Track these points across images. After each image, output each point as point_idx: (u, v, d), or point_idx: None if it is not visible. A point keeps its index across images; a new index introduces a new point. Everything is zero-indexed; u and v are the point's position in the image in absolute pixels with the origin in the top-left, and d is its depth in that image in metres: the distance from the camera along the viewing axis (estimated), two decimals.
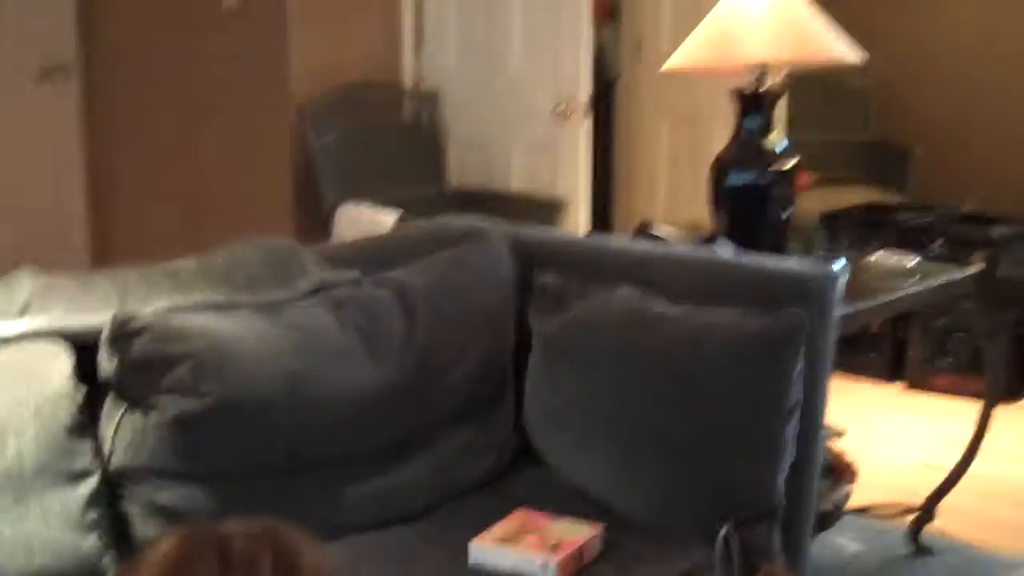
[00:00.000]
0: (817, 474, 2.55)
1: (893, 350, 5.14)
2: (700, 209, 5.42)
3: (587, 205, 5.07)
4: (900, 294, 3.25)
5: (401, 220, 4.44)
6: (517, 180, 5.19)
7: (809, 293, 2.49)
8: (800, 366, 2.39)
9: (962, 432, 3.68)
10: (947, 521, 3.61)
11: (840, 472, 3.28)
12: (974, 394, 4.46)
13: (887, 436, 4.42)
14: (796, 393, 2.39)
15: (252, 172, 5.11)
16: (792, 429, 2.39)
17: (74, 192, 5.77)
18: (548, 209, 4.88)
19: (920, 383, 5.04)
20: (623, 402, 2.51)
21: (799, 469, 2.44)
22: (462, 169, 5.35)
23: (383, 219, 4.54)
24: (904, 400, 4.98)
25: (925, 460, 4.13)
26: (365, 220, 4.61)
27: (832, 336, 2.51)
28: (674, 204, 5.83)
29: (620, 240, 3.36)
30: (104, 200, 5.76)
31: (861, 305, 3.06)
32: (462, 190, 5.23)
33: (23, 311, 2.31)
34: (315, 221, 4.79)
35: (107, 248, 5.69)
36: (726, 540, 2.16)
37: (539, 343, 2.72)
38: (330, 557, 1.49)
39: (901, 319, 4.90)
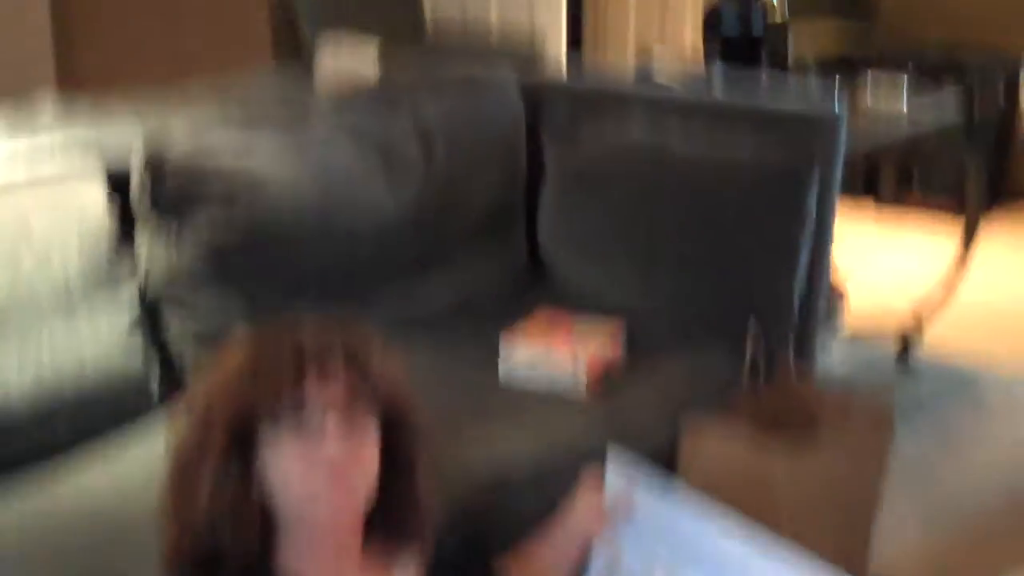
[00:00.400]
0: (826, 293, 2.66)
1: (866, 176, 5.24)
2: (671, 37, 5.46)
3: (564, 38, 5.08)
4: (896, 128, 3.36)
5: (381, 51, 4.43)
6: (493, 13, 5.18)
7: (820, 126, 2.57)
8: (815, 192, 2.48)
9: (937, 255, 3.81)
10: (932, 339, 3.74)
11: (832, 290, 3.39)
12: (947, 218, 4.62)
13: (863, 256, 4.52)
14: (811, 216, 2.48)
15: (228, 8, 5.05)
16: (806, 250, 2.49)
17: (39, 28, 5.66)
18: (526, 41, 4.88)
19: (893, 207, 5.16)
20: (641, 230, 2.60)
21: (810, 287, 2.55)
22: (437, 2, 5.32)
23: (364, 51, 4.53)
24: (877, 223, 5.09)
25: (902, 279, 4.25)
26: (346, 52, 4.60)
27: (841, 164, 2.60)
28: (645, 31, 5.84)
29: (625, 77, 3.40)
30: (70, 39, 5.66)
31: (861, 139, 3.16)
32: (439, 21, 5.22)
33: (49, 131, 2.33)
34: (294, 55, 4.76)
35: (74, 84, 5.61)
36: (754, 344, 2.26)
37: (554, 175, 2.78)
38: (395, 352, 1.56)
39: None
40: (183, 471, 1.48)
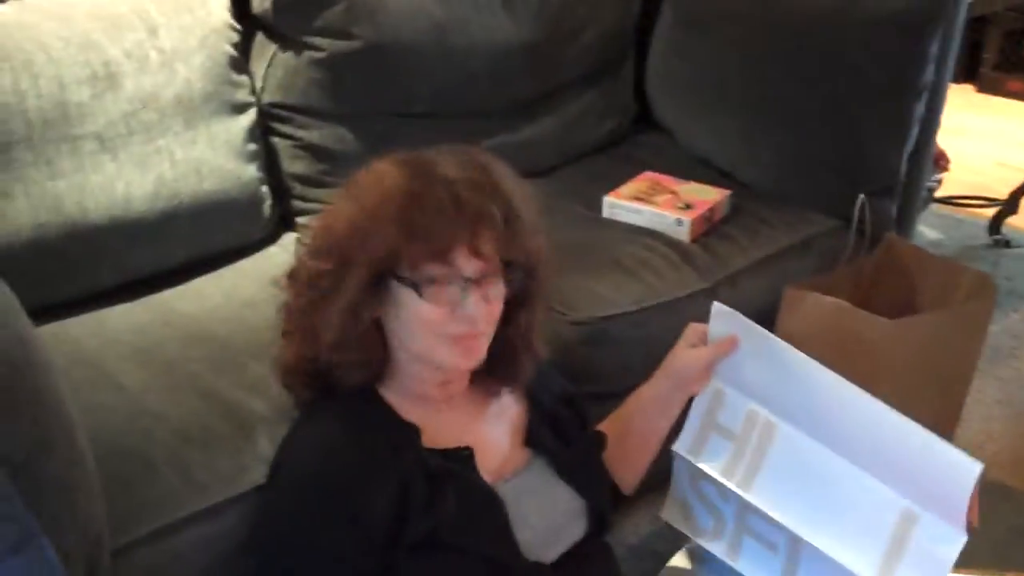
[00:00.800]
0: (932, 156, 2.62)
1: (966, 53, 5.11)
2: None
3: None
4: None
5: None
6: None
7: None
8: (936, 48, 2.42)
9: None
10: None
11: (934, 160, 3.34)
12: None
13: (961, 135, 4.42)
14: (929, 74, 2.42)
15: None
16: (920, 110, 2.44)
17: None
18: None
19: (992, 87, 5.04)
20: (754, 72, 2.55)
21: (918, 149, 2.51)
22: None
23: None
24: (976, 102, 4.99)
25: (1002, 160, 4.19)
26: None
27: (963, 19, 2.52)
28: None
29: None
30: None
31: None
32: None
33: None
34: None
35: None
36: (862, 208, 2.24)
37: (670, 10, 2.74)
38: (536, 202, 1.55)
39: (976, 22, 4.85)
40: (318, 297, 1.48)
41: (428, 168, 1.46)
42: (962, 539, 1.49)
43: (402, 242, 1.41)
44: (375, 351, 1.51)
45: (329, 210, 1.54)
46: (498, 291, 1.49)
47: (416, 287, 1.43)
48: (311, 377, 1.54)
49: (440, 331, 1.45)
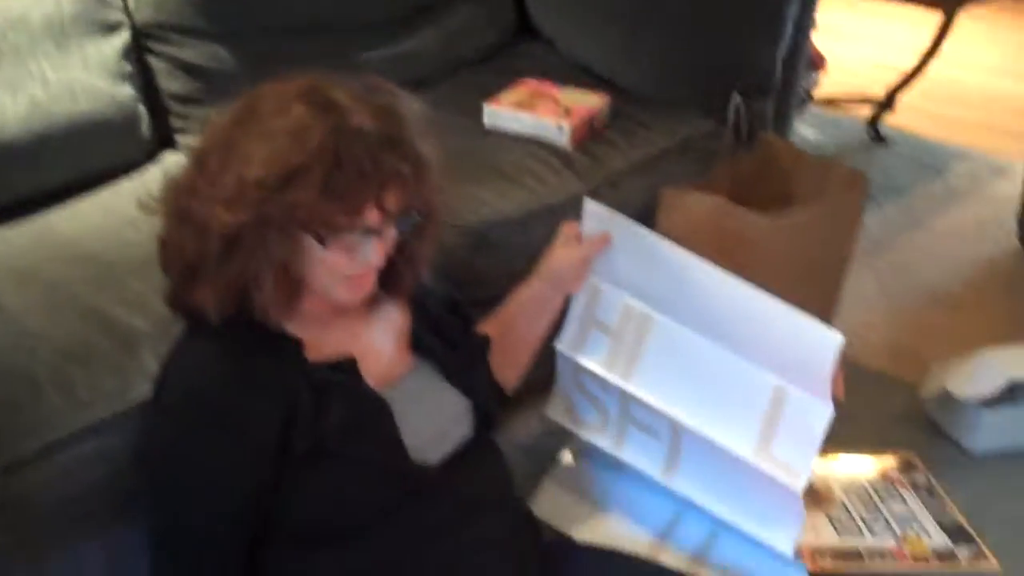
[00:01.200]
0: (807, 56, 2.67)
1: None
2: None
3: None
4: None
5: None
6: None
7: None
8: None
9: (914, 37, 3.81)
10: (902, 117, 3.79)
11: (811, 61, 3.39)
12: (925, 2, 4.58)
13: (840, 38, 4.47)
14: None
15: None
16: (794, 10, 2.49)
17: None
18: None
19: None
20: None
21: (792, 50, 2.55)
22: None
23: None
24: (855, 5, 5.01)
25: (878, 60, 4.27)
26: None
27: None
28: None
29: None
30: None
31: None
32: None
33: None
34: None
35: None
36: (737, 108, 2.28)
37: None
38: (423, 112, 1.55)
39: None
40: (239, 252, 1.43)
41: (342, 115, 1.41)
42: (828, 410, 1.56)
43: (321, 203, 1.40)
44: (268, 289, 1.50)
45: (233, 148, 1.43)
46: (394, 233, 1.50)
47: (321, 239, 1.43)
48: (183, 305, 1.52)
49: (338, 273, 1.47)
